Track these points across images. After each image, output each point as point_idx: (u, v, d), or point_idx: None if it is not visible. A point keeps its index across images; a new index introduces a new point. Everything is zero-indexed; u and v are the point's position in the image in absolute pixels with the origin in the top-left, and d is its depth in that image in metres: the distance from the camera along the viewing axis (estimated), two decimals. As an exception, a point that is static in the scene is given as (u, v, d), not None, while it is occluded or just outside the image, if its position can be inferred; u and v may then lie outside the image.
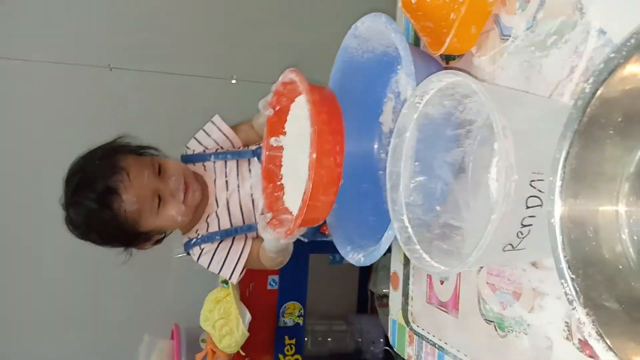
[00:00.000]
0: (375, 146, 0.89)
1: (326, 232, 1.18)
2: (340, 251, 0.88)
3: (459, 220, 0.64)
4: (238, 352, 1.37)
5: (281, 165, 0.88)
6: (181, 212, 1.03)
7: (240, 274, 1.09)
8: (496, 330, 0.65)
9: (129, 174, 0.98)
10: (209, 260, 1.09)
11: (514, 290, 0.62)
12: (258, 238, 1.13)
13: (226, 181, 1.13)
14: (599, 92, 0.40)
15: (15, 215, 1.89)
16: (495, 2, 0.65)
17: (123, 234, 1.01)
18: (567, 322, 0.55)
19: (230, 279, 1.10)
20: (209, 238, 1.09)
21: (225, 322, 1.31)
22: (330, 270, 2.11)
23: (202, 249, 1.09)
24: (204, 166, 1.15)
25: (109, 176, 0.97)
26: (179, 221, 1.05)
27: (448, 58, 0.75)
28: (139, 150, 1.08)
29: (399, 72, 0.84)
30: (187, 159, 1.16)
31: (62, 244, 1.87)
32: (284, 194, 0.86)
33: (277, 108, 0.87)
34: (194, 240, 1.10)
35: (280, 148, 0.88)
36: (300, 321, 1.74)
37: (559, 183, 0.41)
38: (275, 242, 0.94)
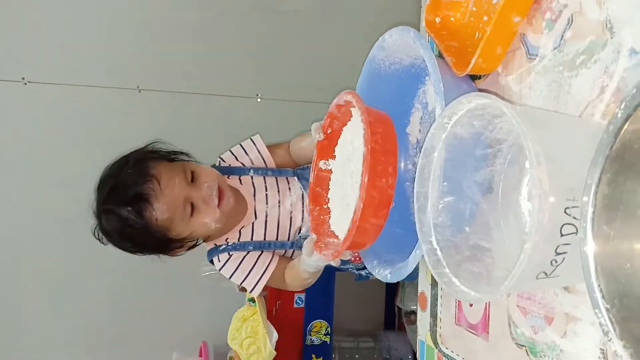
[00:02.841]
0: (402, 157, 0.89)
1: (357, 261, 1.18)
2: (366, 265, 0.87)
3: (489, 241, 0.63)
4: (265, 370, 1.37)
5: (328, 189, 0.87)
6: (215, 219, 1.02)
7: (261, 289, 1.09)
8: (528, 355, 0.64)
9: (160, 182, 0.97)
10: (234, 269, 1.09)
11: (546, 314, 0.61)
12: (284, 257, 1.13)
13: (266, 195, 1.13)
14: (632, 116, 0.39)
15: (45, 233, 1.93)
16: (521, 22, 0.64)
17: (155, 241, 1.01)
18: (603, 350, 0.53)
19: (251, 291, 1.09)
20: (240, 247, 1.09)
21: (253, 340, 1.31)
22: (357, 286, 2.09)
23: (230, 256, 1.09)
24: (240, 180, 1.15)
25: (141, 184, 0.97)
26: (213, 228, 1.03)
27: (473, 77, 0.75)
28: (171, 156, 1.08)
29: (427, 83, 0.84)
30: (223, 170, 1.15)
31: (91, 263, 1.94)
32: (330, 217, 0.86)
33: (329, 131, 0.87)
34: (223, 246, 1.09)
35: (329, 171, 0.88)
36: (327, 339, 1.73)
37: (591, 210, 0.41)
38: (315, 264, 0.93)
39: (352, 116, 0.83)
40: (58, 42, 1.93)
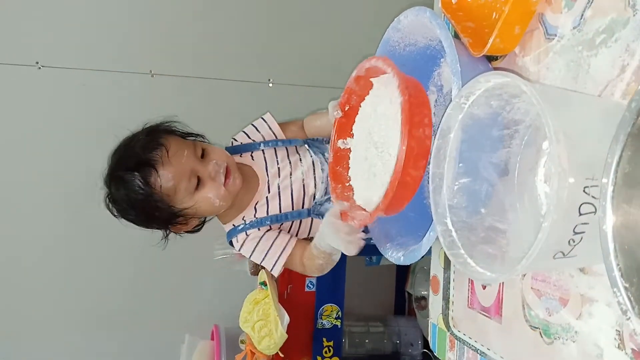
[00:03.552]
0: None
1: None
2: (378, 247, 0.87)
3: (504, 223, 0.63)
4: (277, 353, 1.38)
5: (348, 167, 0.87)
6: (220, 196, 1.03)
7: (282, 267, 1.09)
8: (542, 337, 0.64)
9: (169, 151, 0.99)
10: (253, 248, 1.09)
11: (561, 296, 0.60)
12: (303, 240, 1.13)
13: (278, 168, 1.14)
14: (654, 93, 0.38)
15: (60, 215, 1.95)
16: (539, 1, 0.63)
17: (158, 211, 1.02)
18: (619, 331, 0.53)
19: (272, 270, 1.09)
20: (257, 223, 1.10)
21: (264, 323, 1.32)
22: (367, 271, 2.10)
23: (248, 235, 1.09)
24: (252, 156, 1.16)
25: (149, 151, 0.99)
26: (217, 205, 1.04)
27: (490, 58, 0.74)
28: (185, 135, 1.10)
29: (442, 65, 0.83)
30: (234, 149, 1.17)
31: (105, 245, 1.96)
32: (354, 194, 0.86)
33: (347, 108, 0.87)
34: (241, 226, 1.10)
35: (348, 150, 0.88)
36: (338, 323, 1.74)
37: (610, 188, 0.40)
38: (333, 240, 0.91)
39: (371, 88, 0.83)
40: (71, 27, 1.92)
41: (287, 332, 1.31)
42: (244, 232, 1.10)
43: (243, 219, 1.11)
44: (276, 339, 1.31)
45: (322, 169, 1.14)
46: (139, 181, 0.99)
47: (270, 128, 1.20)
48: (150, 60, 1.99)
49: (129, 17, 1.98)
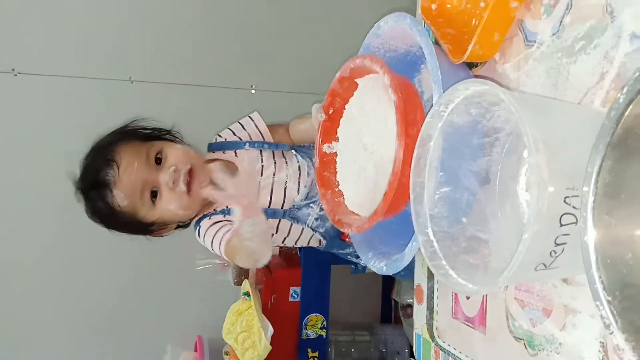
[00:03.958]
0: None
1: (348, 240, 1.17)
2: (361, 257, 0.86)
3: (486, 232, 0.62)
4: (261, 364, 1.36)
5: (336, 172, 0.85)
6: (182, 206, 0.98)
7: (224, 246, 0.99)
8: (526, 348, 0.63)
9: (120, 167, 0.96)
10: (204, 232, 1.03)
11: (544, 307, 0.59)
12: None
13: (262, 166, 1.11)
14: (634, 101, 0.37)
15: (39, 226, 1.92)
16: (519, 8, 0.63)
17: (128, 224, 1.00)
18: (603, 343, 0.52)
19: (222, 251, 1.00)
20: (226, 212, 1.05)
21: (248, 335, 1.30)
22: (353, 280, 2.08)
23: (211, 219, 1.04)
24: (236, 153, 1.13)
25: (101, 169, 0.97)
26: (181, 214, 1.01)
27: (470, 65, 0.73)
28: (149, 135, 1.05)
29: (422, 71, 0.83)
30: (218, 146, 1.13)
31: (88, 255, 1.93)
32: (344, 198, 0.84)
33: (331, 111, 0.85)
34: (210, 214, 1.05)
35: (334, 155, 0.86)
36: (324, 333, 1.72)
37: (591, 199, 0.39)
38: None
39: (355, 90, 0.81)
40: (49, 33, 1.90)
41: (271, 344, 1.30)
42: (208, 217, 1.05)
43: (215, 208, 1.08)
44: (260, 351, 1.29)
45: (307, 173, 1.12)
46: (100, 201, 0.98)
47: (257, 127, 1.17)
48: (129, 67, 1.97)
49: (108, 22, 1.96)
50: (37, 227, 1.91)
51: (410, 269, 1.00)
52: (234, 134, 1.16)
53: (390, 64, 0.83)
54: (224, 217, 1.05)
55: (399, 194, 0.68)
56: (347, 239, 1.16)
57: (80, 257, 1.95)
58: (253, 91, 2.09)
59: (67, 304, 1.96)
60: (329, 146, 0.86)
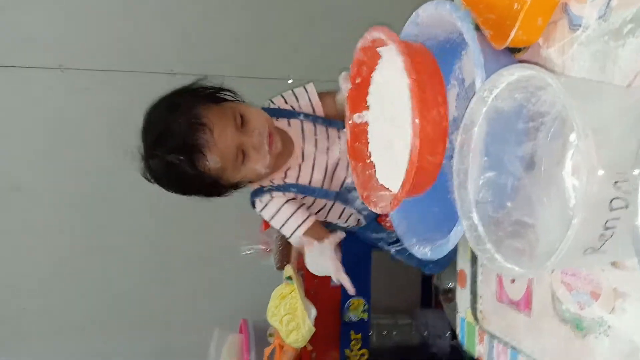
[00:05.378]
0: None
1: (383, 224, 1.17)
2: (404, 243, 0.86)
3: (532, 217, 0.62)
4: (305, 346, 1.39)
5: (368, 143, 0.84)
6: (266, 165, 1.03)
7: (300, 235, 1.08)
8: (573, 331, 0.63)
9: (213, 132, 0.97)
10: (275, 212, 1.09)
11: (592, 290, 0.60)
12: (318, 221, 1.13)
13: (316, 139, 1.12)
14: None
15: (86, 212, 1.99)
16: (563, -9, 0.62)
17: (205, 187, 1.04)
18: (653, 325, 0.52)
19: (290, 237, 1.10)
20: (284, 188, 1.09)
21: (292, 317, 1.33)
22: (393, 265, 2.09)
23: (273, 198, 1.09)
24: (289, 122, 1.13)
25: (193, 134, 0.97)
26: (263, 173, 1.05)
27: (513, 50, 0.73)
28: (217, 95, 1.07)
29: (462, 58, 0.82)
30: (273, 112, 1.14)
31: (133, 238, 2.00)
32: (375, 171, 0.82)
33: (358, 80, 0.83)
34: (267, 187, 1.09)
35: (365, 124, 0.84)
36: (365, 316, 1.74)
37: (642, 182, 0.39)
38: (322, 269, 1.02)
39: (380, 58, 0.79)
40: (93, 29, 1.96)
41: (314, 326, 1.32)
42: (269, 194, 1.09)
43: (272, 181, 1.10)
44: (304, 333, 1.32)
45: None
46: (187, 165, 0.98)
47: (310, 99, 1.17)
48: (171, 59, 2.00)
49: (150, 16, 2.00)
50: (81, 212, 1.98)
51: (438, 262, 1.03)
52: (286, 102, 1.17)
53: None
54: (283, 194, 1.09)
55: (418, 180, 0.66)
56: (383, 222, 1.16)
57: (126, 241, 2.01)
58: (290, 81, 2.11)
59: (113, 290, 2.04)
60: (359, 115, 0.84)
